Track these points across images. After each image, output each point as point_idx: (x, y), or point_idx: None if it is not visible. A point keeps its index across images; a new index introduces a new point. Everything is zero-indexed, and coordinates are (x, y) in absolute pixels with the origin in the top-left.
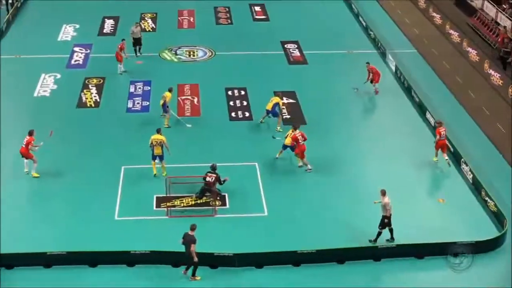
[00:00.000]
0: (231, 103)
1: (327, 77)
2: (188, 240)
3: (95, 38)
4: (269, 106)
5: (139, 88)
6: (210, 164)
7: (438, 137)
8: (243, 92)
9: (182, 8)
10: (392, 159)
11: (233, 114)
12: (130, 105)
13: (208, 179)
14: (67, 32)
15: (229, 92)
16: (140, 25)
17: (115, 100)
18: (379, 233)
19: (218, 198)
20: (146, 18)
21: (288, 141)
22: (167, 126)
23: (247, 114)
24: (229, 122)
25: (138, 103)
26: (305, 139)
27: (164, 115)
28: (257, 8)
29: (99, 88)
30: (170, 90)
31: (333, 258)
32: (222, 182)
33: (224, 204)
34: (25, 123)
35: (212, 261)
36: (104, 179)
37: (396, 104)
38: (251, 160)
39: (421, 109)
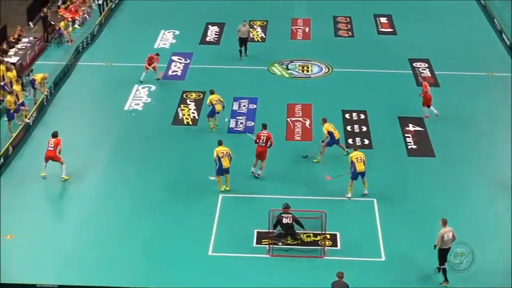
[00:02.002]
0: (349, 127)
1: (462, 102)
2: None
3: (196, 47)
4: (337, 135)
5: (244, 106)
6: (283, 204)
7: None
8: (362, 116)
9: (297, 17)
10: None
11: (350, 141)
12: (232, 124)
13: (285, 220)
14: (165, 39)
15: (347, 115)
16: (249, 25)
17: (216, 118)
18: (443, 270)
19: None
20: (255, 26)
21: (361, 167)
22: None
23: (366, 141)
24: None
25: (241, 123)
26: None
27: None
28: (383, 20)
29: (198, 104)
30: (212, 92)
31: None
32: (302, 225)
33: (334, 244)
34: (112, 139)
35: None
36: (199, 208)
37: None
38: (368, 196)
39: None
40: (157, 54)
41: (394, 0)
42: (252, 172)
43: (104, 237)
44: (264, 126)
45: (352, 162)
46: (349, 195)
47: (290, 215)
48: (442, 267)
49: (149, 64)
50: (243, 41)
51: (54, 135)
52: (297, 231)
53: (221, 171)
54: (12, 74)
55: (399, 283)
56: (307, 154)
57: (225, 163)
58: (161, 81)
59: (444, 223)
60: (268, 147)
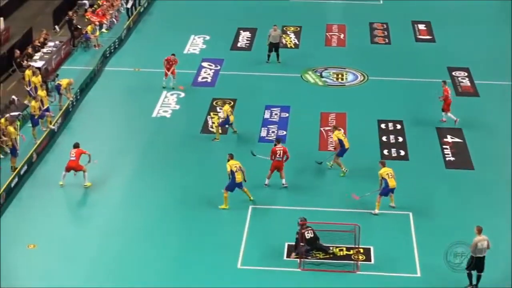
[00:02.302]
0: (384, 138)
1: (503, 114)
2: None
3: (227, 53)
4: (347, 144)
5: (275, 114)
6: (300, 217)
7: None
8: (399, 126)
9: (331, 23)
10: None
11: (385, 152)
12: (263, 133)
13: (308, 235)
14: (195, 44)
15: (382, 125)
16: (281, 30)
17: (247, 127)
18: (469, 275)
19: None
20: (288, 32)
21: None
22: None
23: (402, 152)
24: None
25: (273, 132)
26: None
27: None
28: (421, 27)
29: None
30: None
31: None
32: (325, 248)
33: (368, 259)
34: (138, 147)
35: None
36: (228, 219)
37: None
38: (403, 209)
39: None
40: (173, 55)
41: (434, 6)
42: (266, 184)
43: (130, 247)
44: (278, 141)
45: (383, 178)
46: (377, 211)
47: (310, 228)
48: (468, 272)
49: (168, 69)
50: (274, 47)
51: (76, 146)
52: (327, 245)
53: (233, 187)
54: (37, 79)
55: None
56: (322, 161)
57: (239, 177)
58: (189, 88)
59: (479, 231)
60: (284, 161)
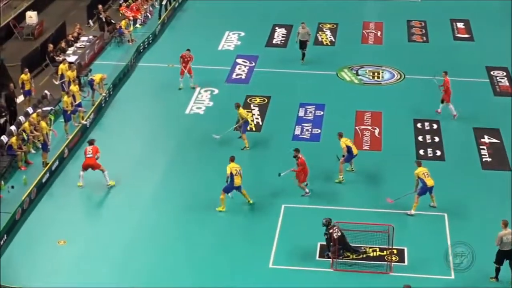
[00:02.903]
0: (420, 138)
1: None
2: None
3: (262, 50)
4: (355, 150)
5: (310, 112)
6: (325, 220)
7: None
8: (435, 126)
9: (369, 20)
10: None
11: (421, 152)
12: (297, 131)
13: (336, 235)
14: (230, 41)
15: (419, 125)
16: (307, 27)
17: (281, 124)
18: (497, 269)
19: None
20: (324, 29)
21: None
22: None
23: (438, 152)
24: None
25: (307, 130)
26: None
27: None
28: (460, 25)
29: (263, 109)
30: (238, 107)
31: None
32: (356, 248)
33: (402, 260)
34: (170, 143)
35: None
36: (261, 217)
37: None
38: (438, 210)
39: None
40: (188, 50)
41: (472, 4)
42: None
43: (161, 245)
44: (298, 150)
45: (419, 178)
46: (413, 212)
47: (335, 227)
48: (497, 266)
49: (185, 67)
50: (302, 44)
51: (91, 142)
52: (360, 245)
53: (231, 189)
54: (73, 74)
55: None
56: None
57: (238, 180)
58: (224, 85)
59: (505, 224)
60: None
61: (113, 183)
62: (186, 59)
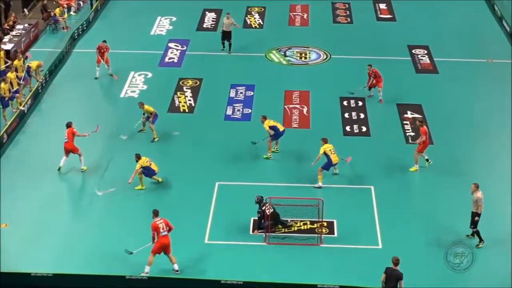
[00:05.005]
0: (346, 115)
1: (461, 89)
2: (395, 277)
3: (193, 34)
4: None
5: (241, 93)
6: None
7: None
8: (360, 103)
9: (295, 3)
10: None
11: (347, 128)
12: (229, 112)
13: (269, 211)
14: (162, 26)
15: (345, 102)
16: (232, 18)
17: (212, 105)
18: (476, 233)
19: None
20: (252, 13)
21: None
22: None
23: (364, 128)
24: (343, 137)
25: (238, 110)
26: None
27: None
28: (382, 6)
29: (195, 91)
30: (142, 105)
31: None
32: (284, 222)
33: (331, 232)
34: (106, 127)
35: None
36: (195, 195)
37: None
38: (365, 183)
39: None
40: (104, 41)
41: None
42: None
43: (100, 228)
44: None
45: (326, 154)
46: (320, 184)
47: (268, 203)
48: (476, 229)
49: (101, 57)
50: (226, 35)
51: (68, 125)
52: (286, 219)
53: (151, 173)
54: (19, 62)
55: None
56: (256, 141)
57: (155, 166)
58: (157, 68)
59: (477, 187)
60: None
61: (85, 168)
62: (102, 50)
